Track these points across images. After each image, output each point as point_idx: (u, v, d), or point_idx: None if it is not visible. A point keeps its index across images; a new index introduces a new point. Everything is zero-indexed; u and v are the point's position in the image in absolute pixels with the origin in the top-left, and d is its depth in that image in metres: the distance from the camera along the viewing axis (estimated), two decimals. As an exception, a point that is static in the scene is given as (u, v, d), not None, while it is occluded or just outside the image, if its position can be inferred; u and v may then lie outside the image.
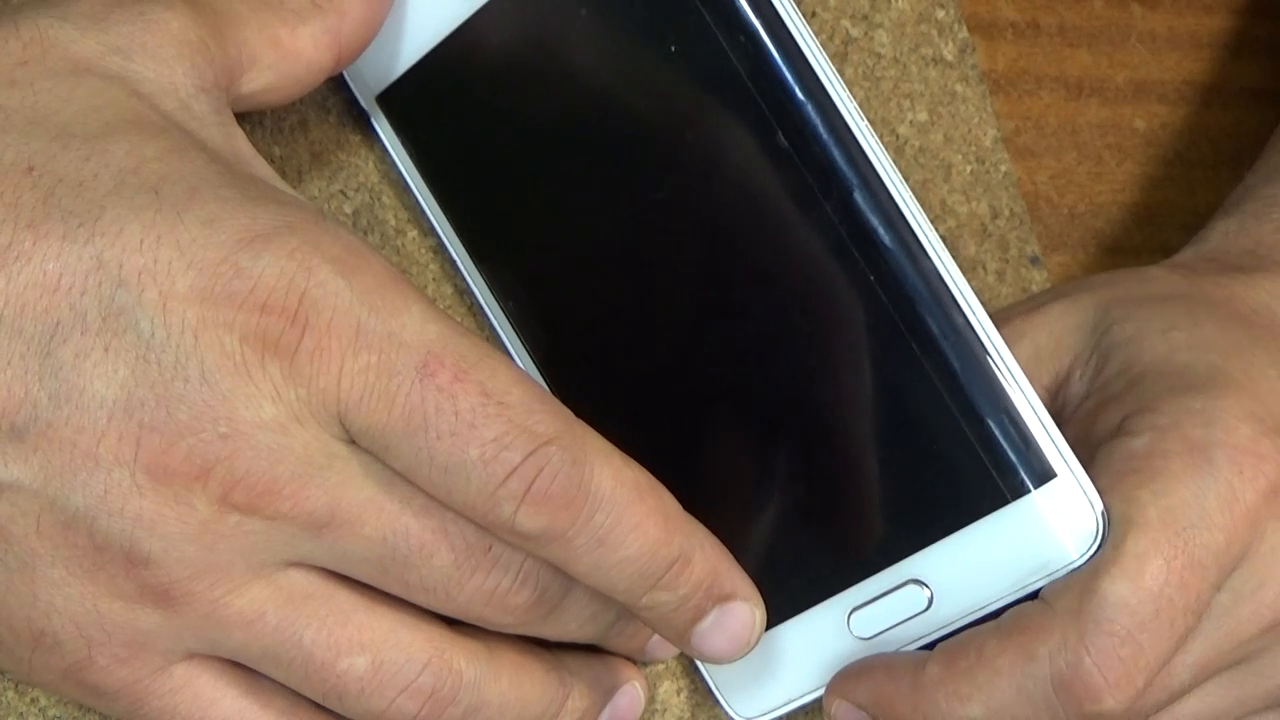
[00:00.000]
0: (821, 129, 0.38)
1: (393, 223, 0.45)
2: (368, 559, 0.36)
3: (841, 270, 0.39)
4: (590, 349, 0.42)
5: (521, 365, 0.43)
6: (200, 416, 0.34)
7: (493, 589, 0.37)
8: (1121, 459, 0.39)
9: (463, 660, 0.37)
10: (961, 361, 0.38)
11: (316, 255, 0.35)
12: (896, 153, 0.50)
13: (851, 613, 0.41)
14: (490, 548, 0.37)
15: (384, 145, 0.44)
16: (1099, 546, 0.38)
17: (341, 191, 0.44)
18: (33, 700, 0.39)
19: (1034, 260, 0.52)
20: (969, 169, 0.52)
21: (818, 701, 0.42)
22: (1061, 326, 0.44)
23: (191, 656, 0.36)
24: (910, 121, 0.51)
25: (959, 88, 0.52)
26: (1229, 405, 0.40)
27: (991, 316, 0.39)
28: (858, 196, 0.38)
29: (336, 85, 0.44)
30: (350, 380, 0.34)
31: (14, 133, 0.35)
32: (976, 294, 0.39)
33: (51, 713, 0.39)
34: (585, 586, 0.38)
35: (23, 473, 0.34)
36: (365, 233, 0.44)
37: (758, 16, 0.38)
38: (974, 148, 0.52)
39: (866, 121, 0.38)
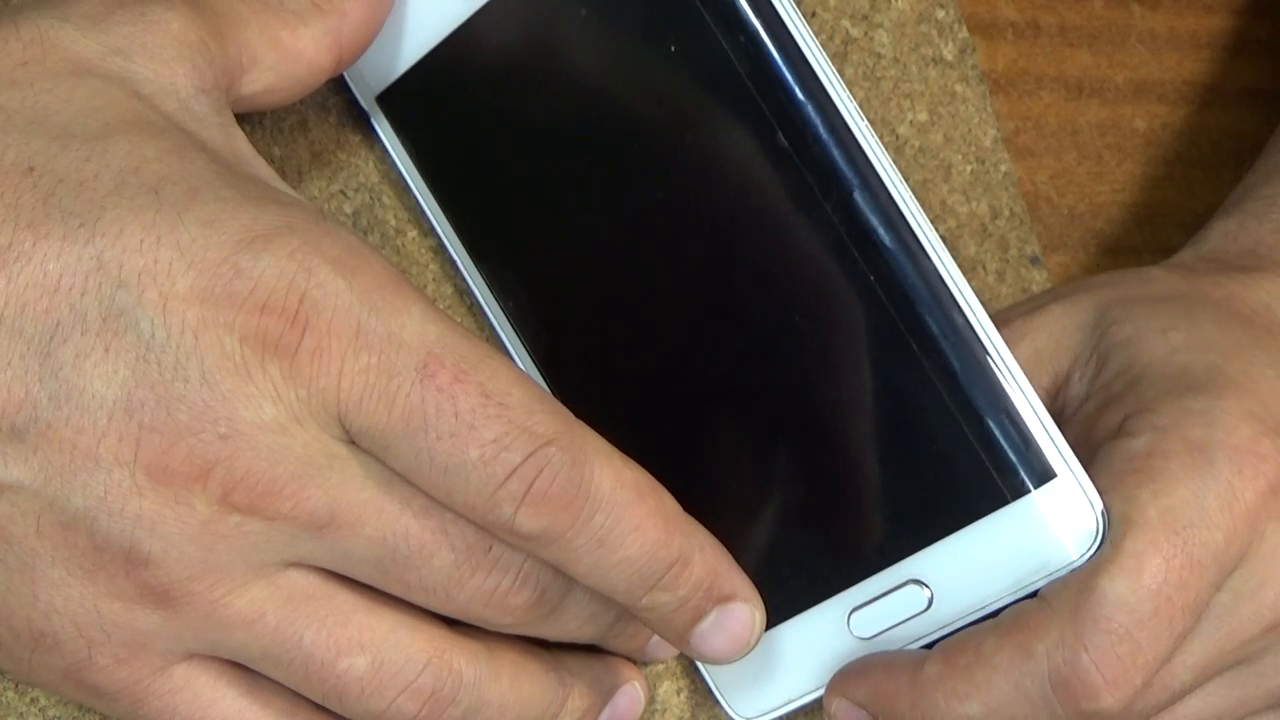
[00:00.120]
0: (821, 129, 0.38)
1: (393, 223, 0.45)
2: (368, 559, 0.36)
3: (841, 270, 0.39)
4: (590, 349, 0.42)
5: (521, 365, 0.43)
6: (200, 417, 0.34)
7: (493, 589, 0.37)
8: (1121, 459, 0.39)
9: (463, 660, 0.37)
10: (961, 361, 0.38)
11: (317, 256, 0.35)
12: (896, 153, 0.50)
13: (851, 613, 0.41)
14: (490, 548, 0.37)
15: (384, 145, 0.44)
16: (1099, 546, 0.38)
17: (341, 191, 0.45)
18: (33, 700, 0.39)
19: (1034, 260, 0.52)
20: (969, 169, 0.52)
21: (818, 701, 0.42)
22: (1061, 327, 0.44)
23: (191, 657, 0.36)
24: (910, 121, 0.51)
25: (959, 88, 0.52)
26: (1229, 406, 0.40)
27: (992, 317, 0.39)
28: (858, 197, 0.38)
29: (336, 85, 0.44)
30: (350, 381, 0.34)
31: (14, 133, 0.35)
32: (976, 294, 0.39)
33: (51, 713, 0.39)
34: (585, 587, 0.38)
35: (23, 473, 0.34)
36: (365, 233, 0.44)
37: (758, 16, 0.38)
38: (974, 148, 0.52)
39: (866, 122, 0.38)
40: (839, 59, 0.50)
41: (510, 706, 0.38)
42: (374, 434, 0.35)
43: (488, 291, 0.43)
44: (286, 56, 0.39)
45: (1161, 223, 0.56)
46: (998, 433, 0.38)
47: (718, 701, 0.44)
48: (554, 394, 0.42)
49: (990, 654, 0.38)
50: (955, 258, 0.47)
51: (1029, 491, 0.38)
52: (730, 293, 0.40)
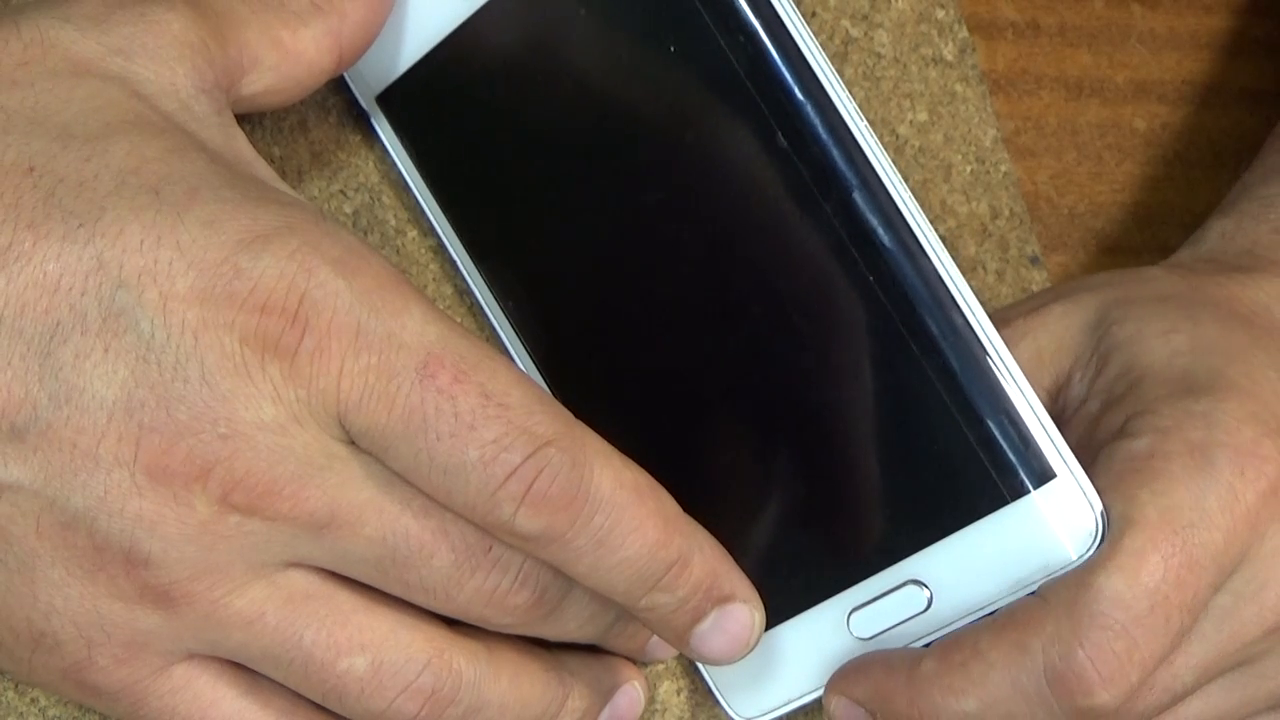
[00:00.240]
0: (821, 129, 0.38)
1: (393, 223, 0.45)
2: (367, 559, 0.36)
3: (841, 271, 0.39)
4: (590, 349, 0.42)
5: (521, 366, 0.43)
6: (200, 417, 0.34)
7: (492, 589, 0.37)
8: (1122, 460, 0.39)
9: (462, 660, 0.37)
10: (961, 362, 0.38)
11: (317, 256, 0.35)
12: (896, 153, 0.50)
13: (851, 613, 0.41)
14: (490, 548, 0.37)
15: (384, 145, 0.44)
16: (1098, 546, 0.38)
17: (341, 191, 0.45)
18: (33, 700, 0.39)
19: (1034, 260, 0.52)
20: (969, 169, 0.52)
21: (817, 702, 0.42)
22: (1062, 328, 0.44)
23: (191, 657, 0.36)
24: (910, 121, 0.51)
25: (959, 88, 0.52)
26: (1231, 408, 0.40)
27: (991, 316, 0.39)
28: (857, 197, 0.38)
29: (336, 85, 0.44)
30: (350, 381, 0.35)
31: (15, 133, 0.35)
32: (976, 294, 0.39)
33: (51, 713, 0.39)
34: (585, 587, 0.38)
35: (23, 473, 0.34)
36: (365, 233, 0.44)
37: (757, 17, 0.38)
38: (974, 148, 0.52)
39: (866, 122, 0.38)
40: (839, 59, 0.50)
41: (510, 706, 0.38)
42: (374, 434, 0.35)
43: (488, 291, 0.43)
44: (287, 57, 0.39)
45: (1161, 223, 0.56)
46: (997, 433, 0.38)
47: (718, 701, 0.44)
48: (554, 394, 0.42)
49: (986, 650, 0.38)
50: (955, 258, 0.47)
51: (1028, 492, 0.38)
52: (729, 293, 0.40)
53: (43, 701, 0.39)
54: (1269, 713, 0.42)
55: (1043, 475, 0.38)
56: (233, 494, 0.34)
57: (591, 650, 0.42)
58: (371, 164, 0.45)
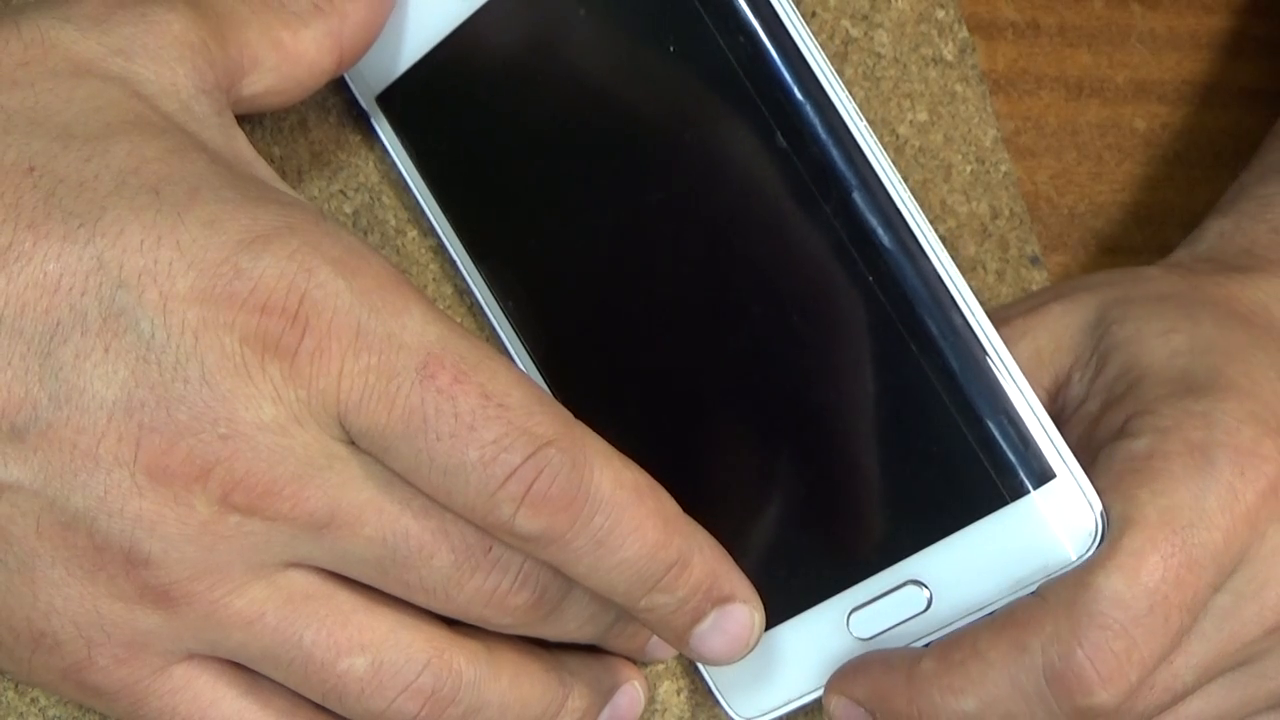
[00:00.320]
0: (820, 129, 0.38)
1: (393, 223, 0.45)
2: (367, 560, 0.36)
3: (840, 271, 0.39)
4: (589, 349, 0.42)
5: (521, 366, 0.43)
6: (200, 417, 0.34)
7: (492, 590, 0.37)
8: (1122, 460, 0.40)
9: (463, 660, 0.37)
10: (960, 362, 0.38)
11: (317, 256, 0.35)
12: (896, 153, 0.50)
13: (851, 613, 0.41)
14: (490, 549, 0.37)
15: (384, 145, 0.44)
16: (1098, 547, 0.38)
17: (341, 191, 0.45)
18: (33, 700, 0.39)
19: (1034, 260, 0.52)
20: (969, 169, 0.52)
21: (817, 702, 0.42)
22: (1062, 327, 0.44)
23: (191, 657, 0.36)
24: (910, 121, 0.51)
25: (959, 88, 0.52)
26: (1230, 408, 0.40)
27: (990, 315, 0.39)
28: (856, 197, 0.38)
29: (336, 85, 0.44)
30: (350, 381, 0.35)
31: (15, 133, 0.35)
32: (976, 294, 0.39)
33: (51, 713, 0.39)
34: (585, 588, 0.38)
35: (23, 473, 0.34)
36: (365, 233, 0.44)
37: (756, 17, 0.38)
38: (974, 148, 0.52)
39: (865, 122, 0.38)
40: (839, 59, 0.50)
41: (510, 706, 0.38)
42: (374, 435, 0.35)
43: (487, 291, 0.43)
44: (287, 58, 0.39)
45: (1161, 223, 0.56)
46: (997, 433, 0.38)
47: (718, 701, 0.44)
48: (553, 394, 0.42)
49: (985, 649, 0.38)
50: (955, 258, 0.47)
51: (1028, 492, 0.38)
52: (729, 293, 0.40)
53: (43, 701, 0.39)
54: (1269, 712, 0.42)
55: (1042, 475, 0.38)
56: (233, 494, 0.34)
57: (591, 650, 0.42)
58: (371, 164, 0.45)
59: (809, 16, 0.50)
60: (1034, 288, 0.52)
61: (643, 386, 0.42)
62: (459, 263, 0.44)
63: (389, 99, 0.44)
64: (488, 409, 0.35)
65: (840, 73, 0.50)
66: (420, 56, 0.42)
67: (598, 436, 0.37)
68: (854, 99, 0.39)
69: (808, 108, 0.38)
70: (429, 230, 0.45)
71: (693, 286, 0.40)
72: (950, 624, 0.40)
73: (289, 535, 0.35)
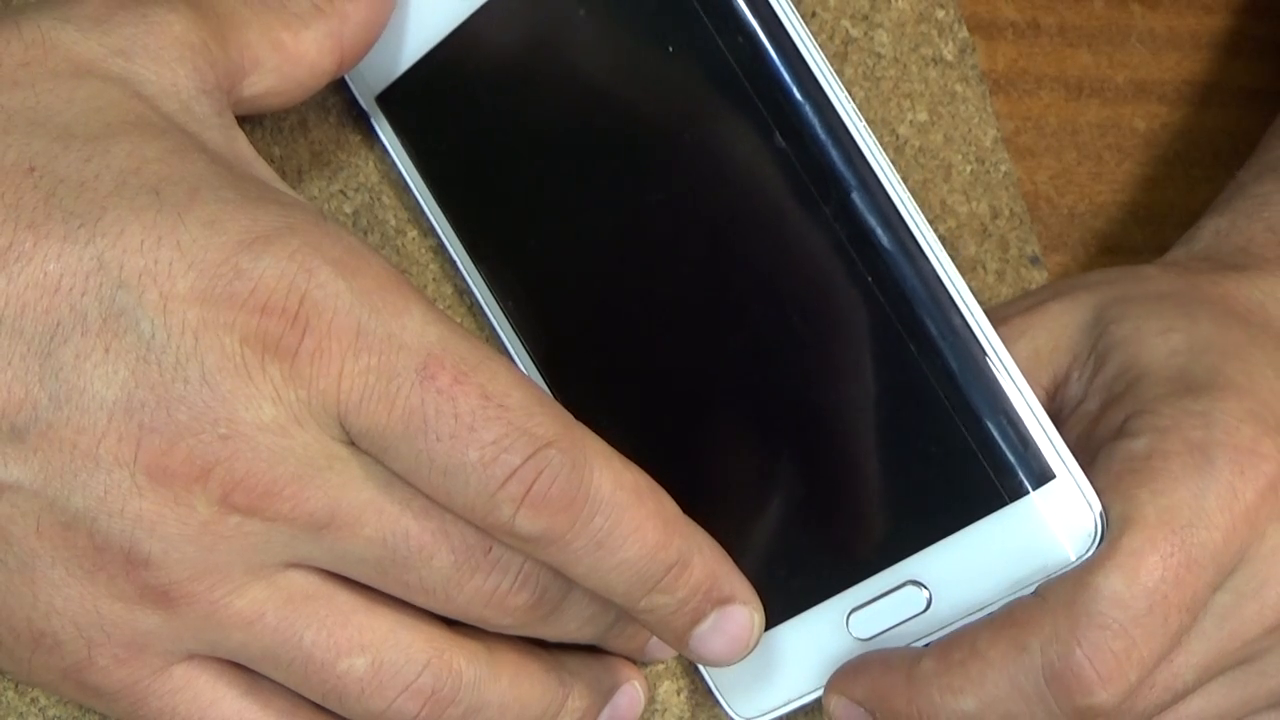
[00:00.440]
0: (819, 130, 0.38)
1: (393, 223, 0.45)
2: (367, 560, 0.36)
3: (839, 271, 0.39)
4: (589, 349, 0.42)
5: (521, 366, 0.43)
6: (200, 418, 0.34)
7: (492, 590, 0.37)
8: (1121, 460, 0.40)
9: (462, 660, 0.37)
10: (960, 363, 0.38)
11: (317, 257, 0.35)
12: (896, 153, 0.50)
13: (850, 613, 0.41)
14: (490, 549, 0.37)
15: (384, 145, 0.44)
16: (1097, 547, 0.38)
17: (341, 191, 0.45)
18: (33, 700, 0.39)
19: (1034, 260, 0.52)
20: (969, 169, 0.52)
21: (817, 702, 0.42)
22: (1060, 326, 0.44)
23: (191, 657, 0.36)
24: (910, 121, 0.51)
25: (959, 88, 0.52)
26: (1229, 407, 0.40)
27: (989, 314, 0.39)
28: (855, 197, 0.38)
29: (336, 85, 0.44)
30: (350, 382, 0.35)
31: (15, 133, 0.35)
32: (976, 294, 0.39)
33: (51, 713, 0.39)
34: (585, 588, 0.38)
35: (23, 473, 0.34)
36: (365, 233, 0.44)
37: (755, 17, 0.38)
38: (974, 148, 0.52)
39: (865, 122, 0.38)
40: (839, 59, 0.50)
41: (510, 706, 0.38)
42: (374, 435, 0.35)
43: (487, 291, 0.43)
44: (288, 59, 0.39)
45: (1161, 222, 0.56)
46: (996, 434, 0.38)
47: (717, 701, 0.44)
48: (553, 395, 0.42)
49: (985, 649, 0.38)
50: (955, 258, 0.47)
51: (1028, 492, 0.38)
52: (728, 294, 0.40)
53: (43, 701, 0.39)
54: (1270, 710, 0.42)
55: (1042, 476, 0.38)
56: (233, 494, 0.34)
57: (591, 650, 0.42)
58: (371, 164, 0.45)
59: (809, 16, 0.50)
60: (1034, 287, 0.52)
61: (642, 387, 0.42)
62: (459, 263, 0.44)
63: (389, 99, 0.44)
64: (488, 409, 0.35)
65: (840, 73, 0.50)
66: (420, 56, 0.42)
67: (598, 437, 0.37)
68: (854, 99, 0.39)
69: (807, 108, 0.38)
70: (429, 230, 0.45)
71: (692, 287, 0.40)
72: (950, 624, 0.40)
73: (289, 536, 0.35)
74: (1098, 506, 0.38)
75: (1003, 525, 0.39)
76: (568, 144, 0.41)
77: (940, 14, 0.52)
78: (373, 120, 0.44)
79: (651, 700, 0.44)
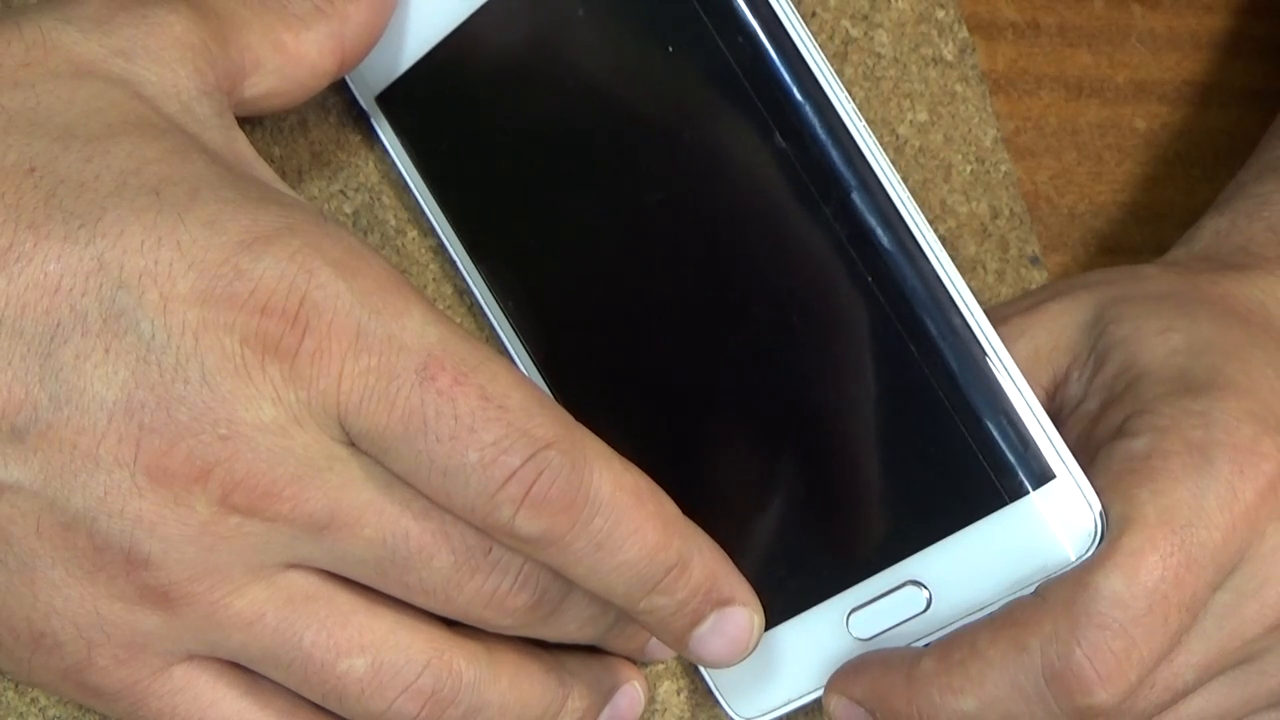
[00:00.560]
0: (819, 130, 0.38)
1: (393, 223, 0.45)
2: (367, 561, 0.36)
3: (839, 271, 0.39)
4: (589, 350, 0.42)
5: (521, 366, 0.43)
6: (200, 418, 0.34)
7: (492, 591, 0.37)
8: (1121, 460, 0.40)
9: (462, 661, 0.37)
10: (960, 363, 0.38)
11: (318, 257, 0.35)
12: (896, 153, 0.50)
13: (850, 613, 0.41)
14: (490, 550, 0.37)
15: (384, 145, 0.44)
16: (1097, 547, 0.38)
17: (341, 191, 0.45)
18: (32, 700, 0.39)
19: (1034, 260, 0.52)
20: (969, 169, 0.52)
21: (817, 702, 0.42)
22: (1060, 326, 0.44)
23: (191, 658, 0.36)
24: (910, 121, 0.51)
25: (959, 88, 0.52)
26: (1229, 406, 0.40)
27: (988, 313, 0.39)
28: (855, 197, 0.38)
29: (336, 85, 0.44)
30: (350, 383, 0.35)
31: (16, 134, 0.35)
32: (976, 294, 0.39)
33: (51, 713, 0.39)
34: (584, 589, 0.38)
35: (23, 474, 0.34)
36: (365, 233, 0.44)
37: (755, 17, 0.38)
38: (974, 148, 0.52)
39: (865, 122, 0.38)
40: (839, 59, 0.50)
41: (510, 707, 0.38)
42: (374, 436, 0.35)
43: (487, 291, 0.44)
44: (289, 60, 0.39)
45: (1161, 222, 0.56)
46: (996, 434, 0.38)
47: (717, 702, 0.44)
48: (553, 395, 0.42)
49: (985, 648, 0.38)
50: (955, 258, 0.47)
51: (1028, 493, 0.38)
52: (729, 294, 0.40)
53: (43, 701, 0.39)
54: (1271, 710, 0.42)
55: (1042, 476, 0.38)
56: (233, 495, 0.34)
57: (591, 650, 0.42)
58: (371, 164, 0.45)
59: (809, 16, 0.50)
60: (1034, 288, 0.52)
61: (642, 387, 0.42)
62: (459, 263, 0.44)
63: (389, 99, 0.44)
64: (487, 411, 0.35)
65: (840, 73, 0.50)
66: (420, 56, 0.42)
67: (597, 438, 0.37)
68: (854, 99, 0.39)
69: (807, 108, 0.38)
70: (429, 230, 0.45)
71: (692, 287, 0.40)
72: (950, 624, 0.40)
73: (289, 536, 0.35)
74: (1098, 506, 0.38)
75: (1003, 525, 0.39)
76: (568, 144, 0.41)
77: (940, 14, 0.52)
78: (373, 120, 0.44)
79: (651, 700, 0.44)
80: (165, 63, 0.37)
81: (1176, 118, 0.57)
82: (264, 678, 0.37)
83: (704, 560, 0.38)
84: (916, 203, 0.39)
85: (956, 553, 0.39)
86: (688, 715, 0.45)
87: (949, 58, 0.52)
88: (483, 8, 0.41)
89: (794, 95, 0.38)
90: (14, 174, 0.34)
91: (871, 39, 0.51)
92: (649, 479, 0.37)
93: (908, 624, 0.40)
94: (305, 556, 0.36)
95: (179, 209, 0.34)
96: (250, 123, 0.43)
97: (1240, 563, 0.39)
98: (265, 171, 0.38)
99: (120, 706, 0.36)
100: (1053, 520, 0.38)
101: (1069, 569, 0.38)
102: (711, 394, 0.41)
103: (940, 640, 0.40)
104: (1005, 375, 0.38)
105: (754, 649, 0.40)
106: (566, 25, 0.40)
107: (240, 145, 0.38)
